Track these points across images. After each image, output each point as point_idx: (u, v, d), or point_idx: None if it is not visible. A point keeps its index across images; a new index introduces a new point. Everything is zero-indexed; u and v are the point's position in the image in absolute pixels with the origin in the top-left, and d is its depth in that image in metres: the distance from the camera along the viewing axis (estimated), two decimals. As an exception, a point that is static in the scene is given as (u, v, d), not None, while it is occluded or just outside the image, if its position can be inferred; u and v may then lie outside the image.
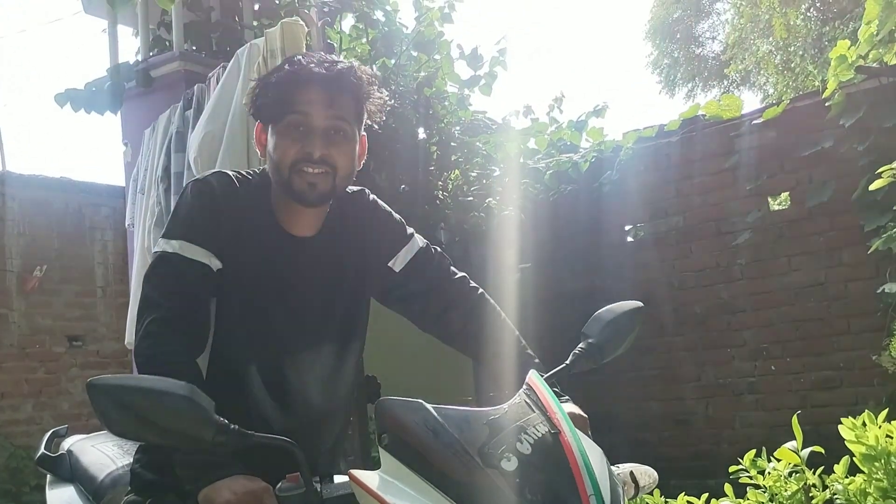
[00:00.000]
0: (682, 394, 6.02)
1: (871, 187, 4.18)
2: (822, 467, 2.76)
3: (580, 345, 1.60)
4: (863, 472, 2.63)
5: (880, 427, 2.62)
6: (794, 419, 2.73)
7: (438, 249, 1.83)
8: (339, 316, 1.71)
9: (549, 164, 6.27)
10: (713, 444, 5.76)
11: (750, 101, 17.55)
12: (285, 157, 1.58)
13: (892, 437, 2.60)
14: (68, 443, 2.24)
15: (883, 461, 2.54)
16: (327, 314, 1.69)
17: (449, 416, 1.24)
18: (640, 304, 1.68)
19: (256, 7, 4.85)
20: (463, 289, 1.80)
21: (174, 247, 1.57)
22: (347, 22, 5.40)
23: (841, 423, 2.66)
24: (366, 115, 1.68)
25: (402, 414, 1.24)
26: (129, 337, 4.05)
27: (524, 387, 1.36)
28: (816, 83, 7.68)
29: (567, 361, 1.59)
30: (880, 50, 5.05)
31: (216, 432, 1.22)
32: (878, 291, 4.82)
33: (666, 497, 3.14)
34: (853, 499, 2.60)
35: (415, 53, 5.42)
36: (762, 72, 14.33)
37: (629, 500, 1.52)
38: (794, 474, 2.80)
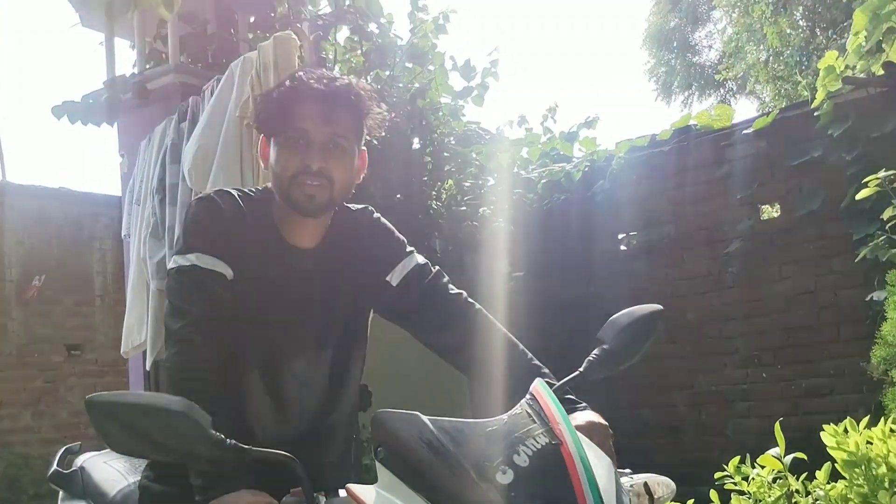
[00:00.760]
0: (675, 401, 6.06)
1: (857, 197, 4.22)
2: (806, 473, 2.80)
3: (595, 351, 1.55)
4: (844, 477, 2.67)
5: (861, 433, 2.66)
6: (777, 426, 2.77)
7: (437, 268, 1.84)
8: (340, 326, 1.75)
9: (542, 173, 6.32)
10: (706, 451, 5.79)
11: (747, 109, 17.63)
12: (286, 169, 1.64)
13: (872, 444, 2.64)
14: (80, 459, 2.25)
15: (863, 467, 2.57)
16: (327, 324, 1.73)
17: (445, 429, 1.22)
18: (658, 307, 1.62)
19: (252, 20, 4.92)
20: (459, 306, 1.78)
21: (190, 259, 1.61)
22: (343, 34, 5.48)
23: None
24: (365, 131, 1.73)
25: (398, 427, 1.23)
26: (126, 346, 4.09)
27: (527, 396, 1.33)
28: (805, 93, 7.75)
29: (581, 369, 1.53)
30: (868, 60, 5.12)
31: (212, 447, 1.24)
32: (867, 299, 4.87)
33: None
34: (834, 504, 2.63)
35: (409, 65, 5.49)
36: (753, 80, 14.41)
37: None
38: (777, 480, 2.84)
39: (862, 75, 5.12)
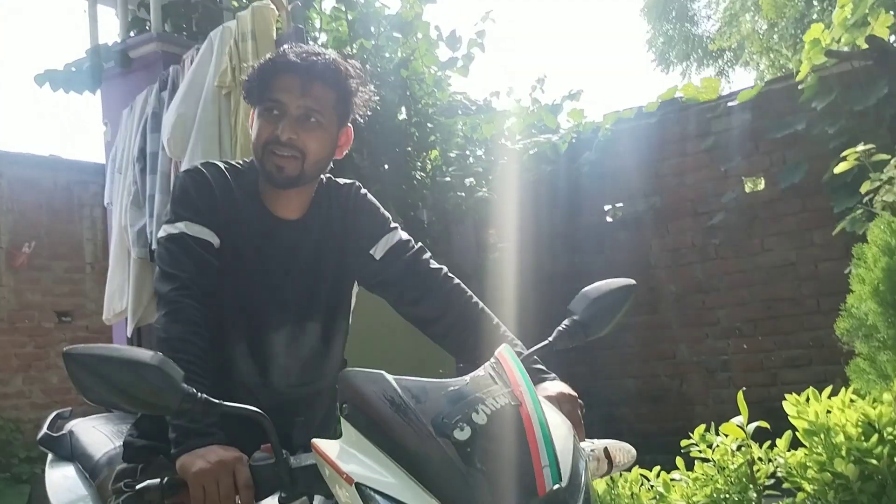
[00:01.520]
0: (657, 371, 6.13)
1: (836, 170, 4.24)
2: (769, 442, 2.86)
3: (564, 322, 1.57)
4: (805, 445, 2.73)
5: (822, 403, 2.71)
6: (740, 395, 2.83)
7: (419, 244, 1.87)
8: (324, 297, 1.79)
9: (528, 144, 6.33)
10: (686, 421, 5.86)
11: (746, 80, 17.49)
12: (259, 138, 1.69)
13: (831, 413, 2.69)
14: (70, 424, 2.31)
15: (822, 436, 2.63)
16: (311, 294, 1.77)
17: (408, 387, 1.25)
18: (631, 281, 1.63)
19: (235, -12, 4.89)
20: (438, 280, 1.80)
21: (179, 227, 1.66)
22: (329, 3, 5.45)
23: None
24: (352, 108, 1.76)
25: (362, 384, 1.26)
26: (108, 314, 4.14)
27: (492, 360, 1.36)
28: (791, 65, 7.72)
29: (550, 338, 1.54)
30: (853, 34, 5.10)
31: (182, 400, 1.27)
32: (846, 272, 4.90)
33: (641, 471, 3.23)
34: (793, 471, 2.69)
35: (396, 34, 5.46)
36: (747, 51, 14.33)
37: (602, 476, 1.54)
38: (741, 448, 2.90)
39: (846, 48, 5.11)
